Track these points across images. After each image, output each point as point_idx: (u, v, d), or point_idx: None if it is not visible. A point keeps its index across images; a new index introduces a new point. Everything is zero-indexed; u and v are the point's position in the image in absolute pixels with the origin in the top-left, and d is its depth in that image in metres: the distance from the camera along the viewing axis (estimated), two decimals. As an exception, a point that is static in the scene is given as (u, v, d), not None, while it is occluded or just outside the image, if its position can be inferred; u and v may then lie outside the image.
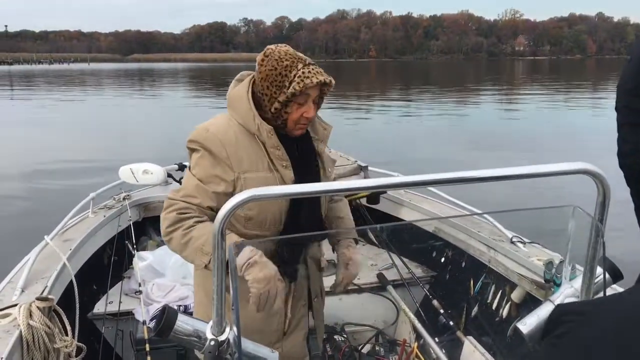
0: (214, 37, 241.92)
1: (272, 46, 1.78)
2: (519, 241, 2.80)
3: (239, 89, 1.78)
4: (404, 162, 10.67)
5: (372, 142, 13.46)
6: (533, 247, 2.74)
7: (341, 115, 19.60)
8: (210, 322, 1.24)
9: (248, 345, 1.38)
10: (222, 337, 1.21)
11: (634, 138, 0.66)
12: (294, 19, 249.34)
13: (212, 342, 1.18)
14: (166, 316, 1.23)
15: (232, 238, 1.66)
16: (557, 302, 1.18)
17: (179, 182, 3.64)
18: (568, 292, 1.19)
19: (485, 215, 3.09)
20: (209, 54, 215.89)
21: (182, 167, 3.69)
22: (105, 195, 3.60)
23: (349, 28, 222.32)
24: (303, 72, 1.68)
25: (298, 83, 1.66)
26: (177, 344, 1.33)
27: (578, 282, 1.16)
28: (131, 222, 3.44)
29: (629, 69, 0.73)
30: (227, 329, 1.22)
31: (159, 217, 3.78)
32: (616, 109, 1.14)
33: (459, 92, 33.92)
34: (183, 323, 1.23)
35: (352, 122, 17.71)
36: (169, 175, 3.59)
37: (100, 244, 3.25)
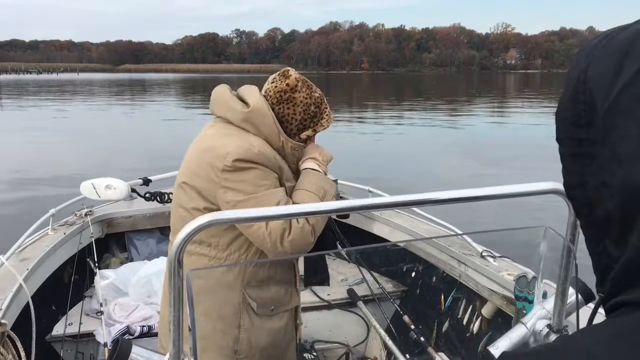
0: (205, 48, 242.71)
1: (293, 71, 1.91)
2: (489, 255, 2.80)
3: (259, 105, 1.81)
4: (390, 177, 10.64)
5: (359, 156, 13.43)
6: (503, 262, 2.75)
7: (332, 128, 19.56)
8: (167, 355, 1.18)
9: None
10: None
11: (578, 169, 0.62)
12: (286, 30, 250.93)
13: None
14: (119, 350, 1.17)
15: None
16: (529, 324, 1.17)
17: (144, 197, 3.54)
18: (540, 313, 1.18)
19: (454, 229, 3.11)
20: (201, 65, 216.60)
21: (146, 182, 3.59)
22: (66, 211, 3.49)
23: (341, 40, 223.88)
24: (328, 109, 1.94)
25: (327, 120, 1.94)
26: None
27: (550, 304, 1.15)
28: (93, 239, 3.34)
29: (565, 96, 0.69)
30: None
31: (122, 233, 3.76)
32: (557, 139, 1.10)
33: (450, 104, 34.12)
34: (138, 356, 1.18)
35: (343, 135, 17.71)
36: (133, 190, 3.48)
37: (60, 262, 3.15)
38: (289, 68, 1.94)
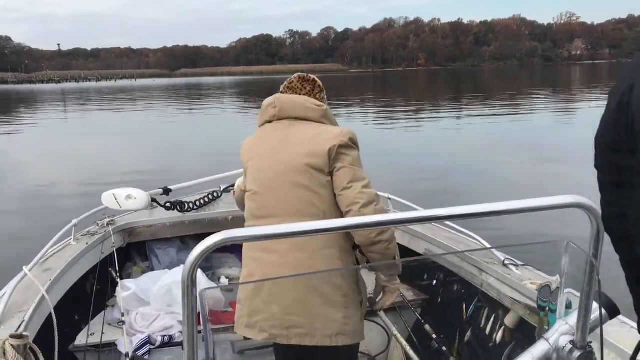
0: (259, 50, 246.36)
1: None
2: (511, 264, 2.75)
3: (326, 108, 2.23)
4: (440, 177, 10.41)
5: (409, 156, 13.24)
6: (526, 270, 2.69)
7: (388, 126, 19.42)
8: None
9: None
10: None
11: (618, 200, 0.57)
12: (339, 29, 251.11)
13: None
14: None
15: None
16: (552, 340, 1.18)
17: (164, 206, 3.60)
18: (563, 329, 1.18)
19: (477, 237, 3.06)
20: (255, 67, 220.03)
21: (166, 192, 3.65)
22: (88, 221, 3.59)
23: (396, 37, 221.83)
24: None
25: None
26: None
27: (573, 319, 1.15)
28: (115, 249, 3.42)
29: (606, 118, 0.62)
30: None
31: (144, 242, 3.85)
32: (595, 166, 1.06)
33: (511, 99, 33.05)
34: None
35: (398, 133, 17.54)
36: (154, 200, 3.55)
37: (82, 272, 3.24)
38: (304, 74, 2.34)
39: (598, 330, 1.12)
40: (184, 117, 29.24)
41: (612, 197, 0.51)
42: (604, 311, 1.13)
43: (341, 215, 2.04)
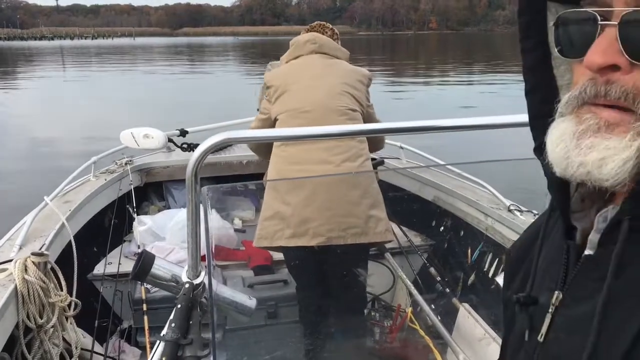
0: (264, 10, 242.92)
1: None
2: (516, 209, 2.86)
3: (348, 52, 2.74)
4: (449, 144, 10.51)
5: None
6: (530, 215, 2.79)
7: (394, 94, 19.40)
8: (186, 267, 1.32)
9: (225, 290, 1.46)
10: (197, 281, 1.31)
11: None
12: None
13: (187, 286, 1.28)
14: (143, 260, 1.32)
15: None
16: None
17: (180, 147, 3.75)
18: None
19: (484, 184, 3.18)
20: (259, 27, 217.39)
21: (183, 133, 3.80)
22: (107, 159, 3.76)
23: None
24: None
25: None
26: (157, 287, 1.43)
27: None
28: (132, 187, 3.58)
29: None
30: (203, 273, 1.30)
31: (160, 182, 4.00)
32: None
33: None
34: (160, 267, 1.34)
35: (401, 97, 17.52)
36: (170, 140, 3.70)
37: (101, 207, 3.39)
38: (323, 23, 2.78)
39: None
40: (189, 76, 29.16)
41: None
42: None
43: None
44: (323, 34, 2.68)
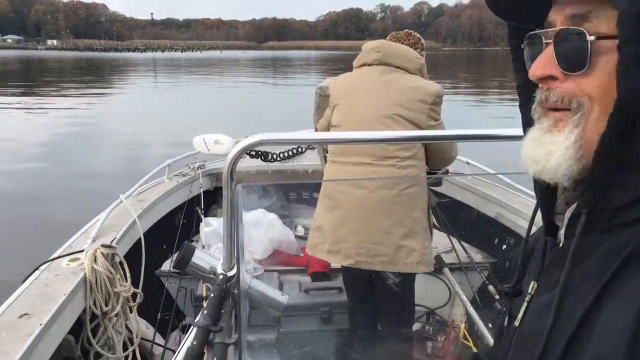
0: (349, 24, 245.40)
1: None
2: None
3: (423, 62, 2.51)
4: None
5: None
6: None
7: (481, 111, 19.01)
8: (222, 259, 1.42)
9: (258, 284, 1.54)
10: (230, 273, 1.40)
11: None
12: (434, 4, 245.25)
13: (221, 277, 1.37)
14: (184, 251, 1.44)
15: None
16: None
17: (249, 154, 3.90)
18: None
19: None
20: (343, 42, 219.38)
21: (252, 140, 3.94)
22: (181, 163, 3.98)
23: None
24: None
25: None
26: (197, 278, 1.53)
27: None
28: (202, 190, 3.76)
29: None
30: (237, 266, 1.39)
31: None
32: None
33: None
34: (199, 258, 1.45)
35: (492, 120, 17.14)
36: (240, 147, 3.85)
37: (171, 207, 3.60)
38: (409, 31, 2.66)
39: None
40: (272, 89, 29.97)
41: None
42: None
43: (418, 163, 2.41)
44: (404, 42, 2.55)
